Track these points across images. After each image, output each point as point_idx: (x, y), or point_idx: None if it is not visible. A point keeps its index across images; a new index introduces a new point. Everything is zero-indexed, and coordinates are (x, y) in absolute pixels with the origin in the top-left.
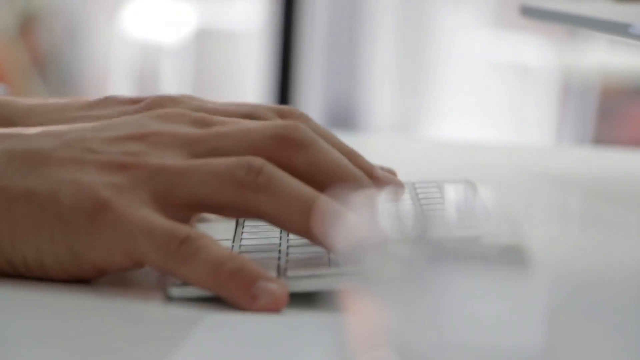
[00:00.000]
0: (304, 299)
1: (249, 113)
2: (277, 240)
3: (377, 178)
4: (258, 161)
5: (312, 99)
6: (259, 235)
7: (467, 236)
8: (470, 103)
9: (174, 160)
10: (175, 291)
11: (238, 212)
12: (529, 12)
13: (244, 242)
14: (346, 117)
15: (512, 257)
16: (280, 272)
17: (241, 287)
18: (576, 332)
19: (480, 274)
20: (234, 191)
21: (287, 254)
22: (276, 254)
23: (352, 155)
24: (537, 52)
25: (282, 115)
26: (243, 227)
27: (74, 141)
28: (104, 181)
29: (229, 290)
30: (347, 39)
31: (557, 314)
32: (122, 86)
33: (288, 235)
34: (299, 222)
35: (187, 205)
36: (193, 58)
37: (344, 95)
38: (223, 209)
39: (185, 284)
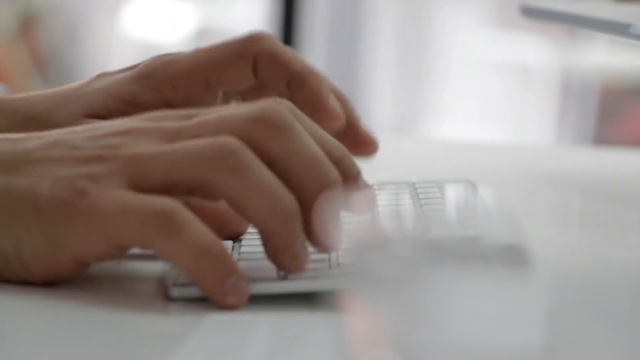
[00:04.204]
0: (304, 299)
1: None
2: None
3: (350, 178)
4: (232, 142)
5: None
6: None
7: (467, 236)
8: (471, 103)
9: (150, 147)
10: (175, 291)
11: (208, 194)
12: (529, 12)
13: (244, 242)
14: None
15: (513, 257)
16: (280, 272)
17: (218, 281)
18: (576, 332)
19: (480, 274)
20: (205, 171)
21: None
22: None
23: (327, 146)
24: (537, 52)
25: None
26: None
27: (56, 141)
28: (80, 172)
29: (206, 280)
30: (347, 39)
31: (557, 314)
32: None
33: None
34: (261, 215)
35: (161, 189)
36: None
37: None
38: (195, 191)
39: (185, 283)
